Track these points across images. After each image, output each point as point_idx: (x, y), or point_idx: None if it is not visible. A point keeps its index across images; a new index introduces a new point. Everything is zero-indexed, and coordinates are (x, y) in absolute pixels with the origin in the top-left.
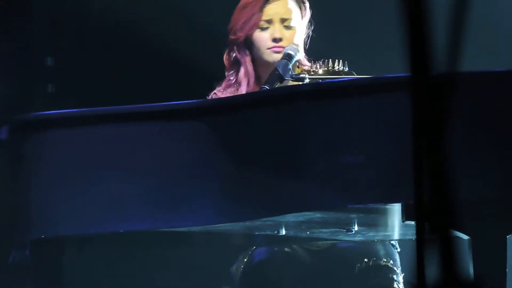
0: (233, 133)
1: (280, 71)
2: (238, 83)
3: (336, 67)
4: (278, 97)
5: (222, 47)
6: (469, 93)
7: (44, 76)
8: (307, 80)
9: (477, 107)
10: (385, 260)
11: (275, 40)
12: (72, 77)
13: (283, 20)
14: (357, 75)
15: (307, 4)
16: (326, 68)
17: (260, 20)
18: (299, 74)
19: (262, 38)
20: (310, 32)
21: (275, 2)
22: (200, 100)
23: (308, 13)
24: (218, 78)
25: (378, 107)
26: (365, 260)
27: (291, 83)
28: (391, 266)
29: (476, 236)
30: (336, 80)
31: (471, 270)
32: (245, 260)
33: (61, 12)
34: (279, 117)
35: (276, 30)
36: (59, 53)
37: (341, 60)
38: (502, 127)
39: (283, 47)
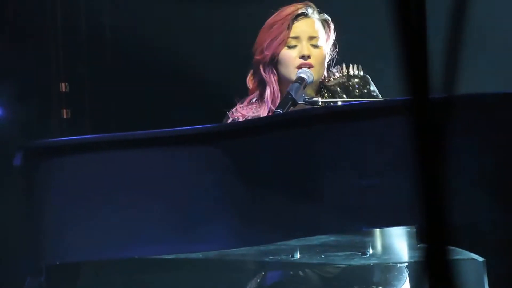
0: (247, 157)
1: (293, 95)
2: (261, 101)
3: (351, 71)
4: (291, 121)
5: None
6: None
7: (59, 102)
8: (320, 104)
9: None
10: (393, 284)
11: (303, 57)
12: (87, 103)
13: (310, 38)
14: (370, 77)
15: (332, 26)
16: (341, 74)
17: (288, 37)
18: (312, 97)
19: (290, 56)
20: (335, 54)
21: (303, 20)
22: (213, 124)
23: (332, 36)
24: (238, 94)
25: (393, 130)
26: (373, 287)
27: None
28: None
29: (491, 258)
30: (350, 103)
31: None
32: (258, 281)
33: (76, 38)
34: (292, 141)
35: (304, 47)
36: (74, 78)
37: (355, 65)
38: (500, 149)
39: (312, 65)
